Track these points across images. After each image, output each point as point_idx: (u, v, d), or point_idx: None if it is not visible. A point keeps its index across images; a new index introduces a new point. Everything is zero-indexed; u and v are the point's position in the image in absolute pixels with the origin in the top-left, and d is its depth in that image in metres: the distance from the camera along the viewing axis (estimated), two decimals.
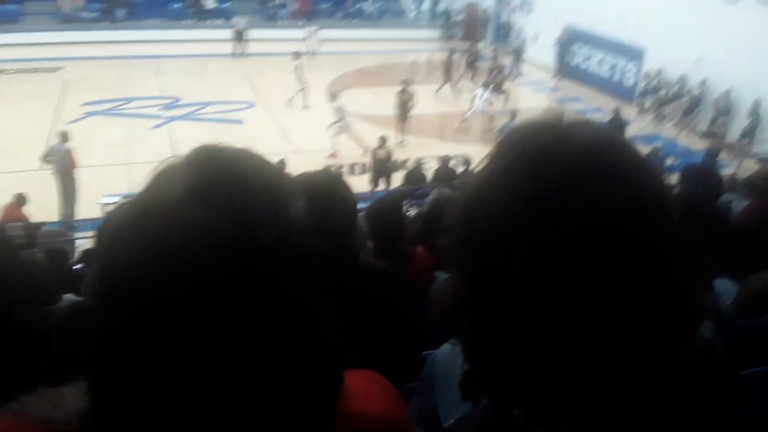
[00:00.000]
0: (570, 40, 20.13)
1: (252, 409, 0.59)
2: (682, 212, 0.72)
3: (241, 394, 0.59)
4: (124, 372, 0.58)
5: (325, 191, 1.81)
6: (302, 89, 16.30)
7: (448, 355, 1.92)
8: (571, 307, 0.67)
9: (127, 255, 0.60)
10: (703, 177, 4.02)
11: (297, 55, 16.59)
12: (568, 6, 19.97)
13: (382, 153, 11.69)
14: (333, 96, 13.76)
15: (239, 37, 21.08)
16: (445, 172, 10.43)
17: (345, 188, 1.96)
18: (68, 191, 10.34)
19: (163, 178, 0.64)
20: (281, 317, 0.59)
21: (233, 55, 20.90)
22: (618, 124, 12.15)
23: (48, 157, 10.48)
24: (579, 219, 0.67)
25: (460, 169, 11.01)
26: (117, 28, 21.87)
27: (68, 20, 21.87)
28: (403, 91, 14.44)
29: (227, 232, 0.58)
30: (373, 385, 0.84)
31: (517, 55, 20.58)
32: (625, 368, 0.69)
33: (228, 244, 0.58)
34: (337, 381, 0.69)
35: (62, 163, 10.25)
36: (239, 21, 21.26)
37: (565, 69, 20.31)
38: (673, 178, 4.50)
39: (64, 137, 10.52)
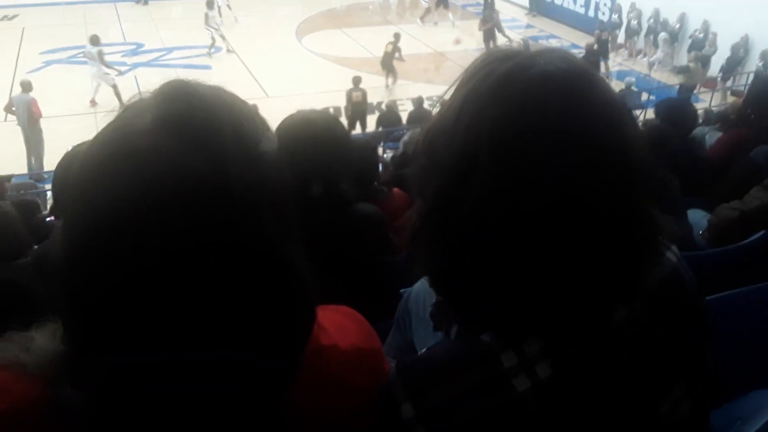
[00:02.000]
0: None
1: (224, 349, 0.59)
2: (653, 145, 0.72)
3: (213, 334, 0.59)
4: (96, 315, 0.58)
5: (324, 134, 1.77)
6: (221, 35, 15.83)
7: (423, 289, 1.94)
8: (527, 236, 0.67)
9: (95, 185, 0.58)
10: (677, 111, 4.05)
11: (210, 4, 15.82)
12: None
13: (357, 95, 11.50)
14: (93, 40, 12.54)
15: None
16: (419, 114, 10.35)
17: (343, 132, 1.92)
18: (34, 142, 10.14)
19: (131, 111, 0.62)
20: (249, 254, 0.59)
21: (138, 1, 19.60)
22: (591, 59, 12.12)
23: (11, 108, 10.22)
24: (535, 146, 0.66)
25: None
26: None
27: None
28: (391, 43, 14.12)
29: (196, 162, 0.57)
30: (346, 319, 0.84)
31: None
32: (587, 295, 0.70)
33: (197, 174, 0.56)
34: (309, 318, 0.68)
35: (26, 114, 10.01)
36: None
37: (539, 6, 20.08)
38: (649, 113, 4.54)
39: (27, 87, 10.24)
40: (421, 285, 2.06)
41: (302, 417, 0.68)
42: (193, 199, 0.56)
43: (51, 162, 9.88)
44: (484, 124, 0.68)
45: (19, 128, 10.17)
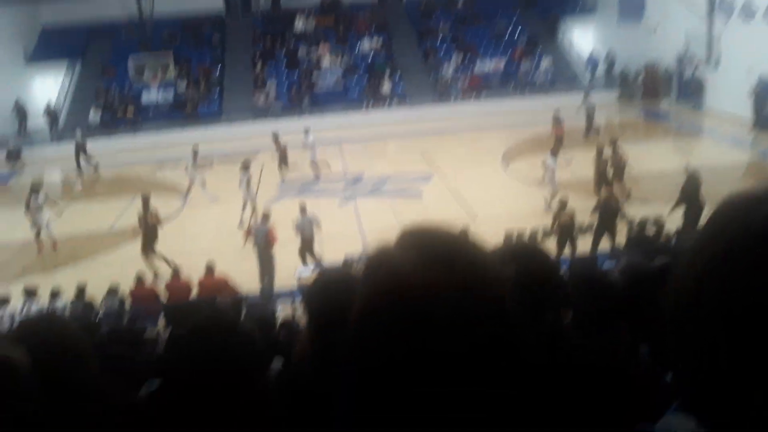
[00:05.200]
0: (766, 91, 18.56)
1: None
2: None
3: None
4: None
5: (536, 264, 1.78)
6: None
7: (668, 429, 1.76)
8: None
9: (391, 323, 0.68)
10: None
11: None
12: (760, 57, 18.56)
13: (565, 217, 11.38)
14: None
15: (81, 150, 20.65)
16: (639, 238, 9.81)
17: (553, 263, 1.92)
18: (268, 266, 11.16)
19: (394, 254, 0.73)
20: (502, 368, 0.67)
21: (79, 168, 20.40)
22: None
23: (251, 236, 11.49)
24: None
25: (652, 233, 10.38)
26: (305, 116, 23.86)
27: (261, 113, 24.31)
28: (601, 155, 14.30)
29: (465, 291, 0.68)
30: None
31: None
32: None
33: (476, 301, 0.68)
34: None
35: (263, 241, 11.15)
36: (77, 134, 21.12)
37: (764, 121, 18.66)
38: None
39: (266, 217, 11.50)
40: (674, 421, 1.88)
41: None
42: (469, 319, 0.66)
43: (279, 283, 10.87)
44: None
45: (255, 253, 11.30)
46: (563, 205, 11.58)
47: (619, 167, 14.14)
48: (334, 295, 2.05)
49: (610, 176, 14.05)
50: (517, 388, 0.67)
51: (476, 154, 18.74)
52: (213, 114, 24.82)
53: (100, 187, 19.05)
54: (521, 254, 1.70)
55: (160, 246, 12.44)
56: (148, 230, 12.33)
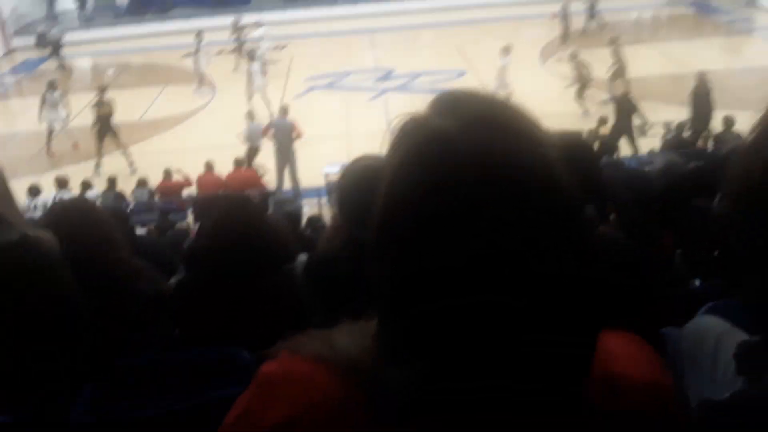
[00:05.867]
0: None
1: (522, 359, 0.59)
2: None
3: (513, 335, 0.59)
4: (423, 314, 0.60)
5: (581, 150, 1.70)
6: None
7: (698, 330, 1.76)
8: None
9: (414, 187, 0.60)
10: None
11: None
12: None
13: (604, 131, 11.14)
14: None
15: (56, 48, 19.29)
16: (676, 141, 9.58)
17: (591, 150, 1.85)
18: (291, 162, 11.09)
19: (430, 116, 0.64)
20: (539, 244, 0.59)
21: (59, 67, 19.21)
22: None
23: (271, 130, 11.34)
24: None
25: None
26: (336, 5, 23.06)
27: (292, 1, 23.44)
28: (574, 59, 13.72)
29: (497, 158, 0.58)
30: (636, 348, 0.77)
31: None
32: None
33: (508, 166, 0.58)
34: (592, 339, 0.64)
35: (287, 136, 11.03)
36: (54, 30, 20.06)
37: None
38: None
39: (285, 111, 11.34)
40: (697, 325, 1.86)
41: None
42: (497, 190, 0.57)
43: (305, 180, 10.92)
44: None
45: (275, 148, 11.16)
46: (603, 120, 11.33)
47: (620, 69, 13.62)
48: (367, 183, 1.97)
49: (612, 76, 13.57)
50: (574, 285, 0.60)
51: (514, 49, 18.03)
52: (242, 0, 24.10)
53: (128, 76, 18.91)
54: (569, 142, 1.60)
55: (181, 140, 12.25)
56: (102, 121, 12.39)
